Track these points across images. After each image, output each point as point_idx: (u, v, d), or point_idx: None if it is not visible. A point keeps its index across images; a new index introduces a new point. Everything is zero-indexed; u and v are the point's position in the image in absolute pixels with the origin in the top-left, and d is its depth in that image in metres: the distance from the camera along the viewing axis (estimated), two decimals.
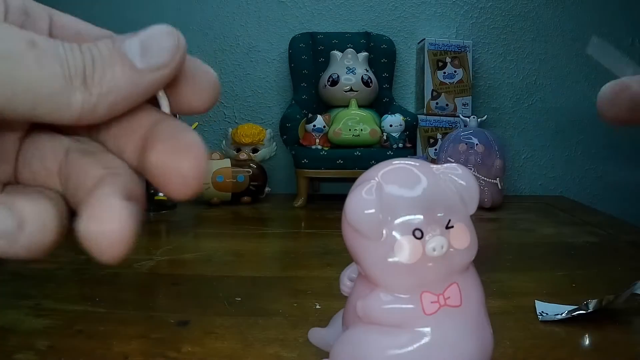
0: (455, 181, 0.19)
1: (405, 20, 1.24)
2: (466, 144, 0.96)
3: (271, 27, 1.23)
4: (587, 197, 1.23)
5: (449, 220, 0.18)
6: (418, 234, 0.17)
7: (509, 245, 0.70)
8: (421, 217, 0.18)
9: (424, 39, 1.15)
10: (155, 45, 0.17)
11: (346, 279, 0.21)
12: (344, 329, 0.21)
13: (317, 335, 0.25)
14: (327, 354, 0.22)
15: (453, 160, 0.94)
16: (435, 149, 1.11)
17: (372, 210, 0.18)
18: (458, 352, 0.18)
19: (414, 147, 1.07)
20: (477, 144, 0.95)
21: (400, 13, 1.24)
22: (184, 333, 0.32)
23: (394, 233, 0.18)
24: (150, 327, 0.34)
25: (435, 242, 0.17)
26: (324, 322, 0.27)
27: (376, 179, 0.19)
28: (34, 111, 0.15)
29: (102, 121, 0.17)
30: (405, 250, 0.17)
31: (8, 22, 0.17)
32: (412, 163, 0.19)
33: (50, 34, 0.19)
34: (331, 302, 0.40)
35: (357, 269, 0.20)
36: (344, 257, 0.23)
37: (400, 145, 0.98)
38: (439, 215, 0.18)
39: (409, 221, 0.18)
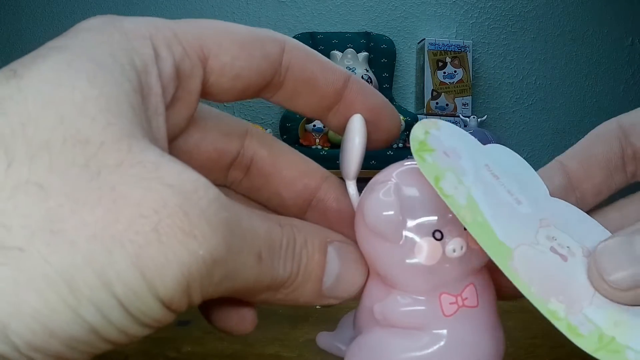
0: None
1: (405, 20, 1.24)
2: None
3: (271, 27, 1.23)
4: None
5: None
6: (438, 235, 0.17)
7: None
8: (441, 218, 0.18)
9: (424, 39, 1.14)
10: (348, 280, 0.19)
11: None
12: (357, 333, 0.20)
13: (326, 339, 0.24)
14: (332, 357, 0.22)
15: None
16: None
17: (392, 212, 0.17)
18: (477, 353, 0.18)
19: None
20: None
21: (400, 13, 1.24)
22: (184, 333, 0.32)
23: (413, 235, 0.18)
24: None
25: (455, 243, 0.17)
26: (324, 322, 0.27)
27: (392, 180, 0.18)
28: (230, 294, 0.16)
29: None
30: (425, 251, 0.17)
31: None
32: None
33: (206, 83, 0.18)
34: None
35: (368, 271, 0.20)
36: None
37: (400, 145, 0.98)
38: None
39: (428, 222, 0.18)
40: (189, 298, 0.14)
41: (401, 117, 0.99)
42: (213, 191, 0.14)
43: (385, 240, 0.18)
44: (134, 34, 0.16)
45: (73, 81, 0.14)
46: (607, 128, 0.23)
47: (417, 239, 0.17)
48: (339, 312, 0.26)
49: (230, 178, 0.22)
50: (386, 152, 0.95)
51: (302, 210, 0.22)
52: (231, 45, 0.18)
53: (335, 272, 0.18)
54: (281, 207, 0.22)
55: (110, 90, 0.14)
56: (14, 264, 0.12)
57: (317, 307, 0.38)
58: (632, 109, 0.23)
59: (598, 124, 0.23)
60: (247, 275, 0.16)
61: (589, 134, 0.23)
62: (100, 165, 0.13)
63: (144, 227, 0.13)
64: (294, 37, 1.16)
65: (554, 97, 1.25)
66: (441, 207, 0.17)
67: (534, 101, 1.25)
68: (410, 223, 0.17)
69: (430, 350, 0.18)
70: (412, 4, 1.24)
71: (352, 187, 0.20)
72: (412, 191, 0.18)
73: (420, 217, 0.17)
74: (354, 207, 0.20)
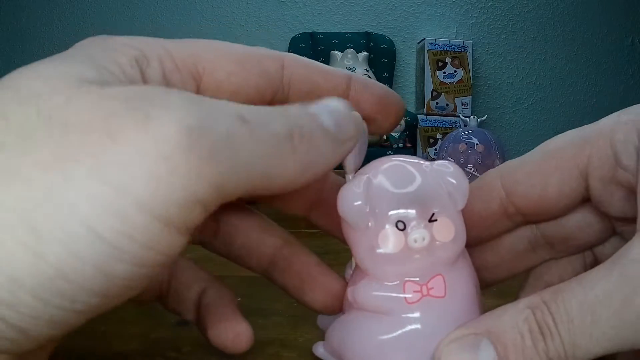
0: (444, 177, 0.19)
1: (405, 20, 1.24)
2: (466, 143, 0.96)
3: (271, 27, 1.23)
4: None
5: (433, 214, 0.19)
6: (401, 225, 0.18)
7: None
8: (405, 210, 0.19)
9: (424, 39, 1.15)
10: (342, 117, 0.18)
11: (349, 269, 0.22)
12: (340, 314, 0.22)
13: (324, 320, 0.26)
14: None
15: (453, 160, 0.94)
16: (435, 149, 1.11)
17: (359, 203, 0.19)
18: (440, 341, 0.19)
19: (414, 146, 1.07)
20: (477, 144, 0.95)
21: (400, 13, 1.24)
22: (184, 333, 0.32)
23: (378, 224, 0.19)
24: (150, 327, 0.34)
25: (417, 234, 0.18)
26: None
27: (369, 173, 0.20)
28: (249, 185, 0.15)
29: (299, 188, 0.16)
30: (388, 240, 0.18)
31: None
32: (404, 159, 0.20)
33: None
34: None
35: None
36: (344, 257, 0.23)
37: (400, 144, 0.98)
38: (423, 208, 0.19)
39: (394, 214, 0.19)
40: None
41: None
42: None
43: (356, 229, 0.19)
44: (126, 47, 0.16)
45: (50, 64, 0.14)
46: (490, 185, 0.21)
47: (381, 228, 0.18)
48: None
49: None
50: (386, 152, 0.95)
51: (308, 208, 0.24)
52: (226, 63, 0.18)
53: (327, 113, 0.17)
54: (287, 207, 0.23)
55: (91, 64, 0.14)
56: None
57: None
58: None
59: None
60: (243, 139, 0.14)
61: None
62: (51, 107, 0.13)
63: (95, 145, 0.12)
64: (294, 37, 1.16)
65: (554, 97, 1.25)
66: (408, 200, 0.19)
67: (534, 101, 1.25)
68: (377, 214, 0.19)
69: (393, 334, 0.19)
70: (412, 4, 1.24)
71: None
72: (384, 184, 0.19)
73: (386, 209, 0.19)
74: None
